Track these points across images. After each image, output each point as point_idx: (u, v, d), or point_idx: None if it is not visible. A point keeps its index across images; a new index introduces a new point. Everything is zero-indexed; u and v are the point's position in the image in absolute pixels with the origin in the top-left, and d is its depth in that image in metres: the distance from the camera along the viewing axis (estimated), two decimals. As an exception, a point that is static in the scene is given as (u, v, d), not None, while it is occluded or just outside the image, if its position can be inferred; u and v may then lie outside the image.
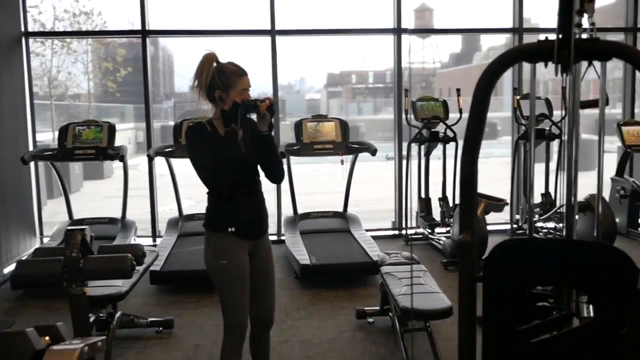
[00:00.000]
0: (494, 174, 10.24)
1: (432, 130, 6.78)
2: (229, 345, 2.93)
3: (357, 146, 6.58)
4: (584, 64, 2.16)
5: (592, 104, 3.79)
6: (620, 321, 1.91)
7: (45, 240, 6.77)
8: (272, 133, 2.85)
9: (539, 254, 1.98)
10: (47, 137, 13.52)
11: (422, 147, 6.92)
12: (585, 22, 2.18)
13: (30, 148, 6.70)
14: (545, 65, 2.04)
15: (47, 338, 1.83)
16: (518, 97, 6.86)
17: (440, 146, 6.90)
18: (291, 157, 6.62)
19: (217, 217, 2.91)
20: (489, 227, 5.68)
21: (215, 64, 2.84)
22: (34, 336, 1.77)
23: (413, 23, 40.81)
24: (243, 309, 2.91)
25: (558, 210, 6.95)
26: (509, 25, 7.45)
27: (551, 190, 7.10)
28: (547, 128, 6.81)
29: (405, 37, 7.39)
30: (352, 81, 43.11)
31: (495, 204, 3.39)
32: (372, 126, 26.94)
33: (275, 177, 3.01)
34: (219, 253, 2.87)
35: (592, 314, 2.07)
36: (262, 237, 3.01)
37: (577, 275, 1.95)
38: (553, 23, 1.99)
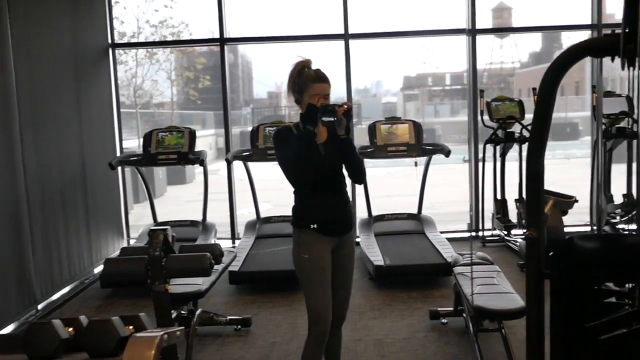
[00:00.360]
0: (575, 175, 9.94)
1: (508, 130, 6.68)
2: (312, 339, 3.04)
3: (430, 147, 6.56)
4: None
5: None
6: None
7: (132, 242, 7.11)
8: (350, 136, 2.98)
9: (606, 249, 1.97)
10: (133, 144, 14.13)
11: (498, 147, 6.83)
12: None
13: (117, 154, 7.07)
14: (612, 60, 2.02)
15: (131, 327, 1.98)
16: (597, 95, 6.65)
17: (516, 147, 6.78)
18: (365, 160, 6.67)
19: (301, 214, 3.07)
20: (567, 229, 5.53)
21: (305, 70, 3.00)
22: (119, 324, 1.92)
23: (491, 22, 39.98)
24: (324, 303, 3.01)
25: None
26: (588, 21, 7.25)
27: (634, 191, 6.84)
28: (629, 126, 6.57)
29: (481, 37, 7.29)
30: (428, 83, 42.65)
31: (565, 200, 3.33)
32: (448, 128, 26.62)
33: (357, 177, 3.15)
34: (302, 248, 3.02)
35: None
36: (346, 235, 3.12)
37: (647, 271, 1.92)
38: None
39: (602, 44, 1.98)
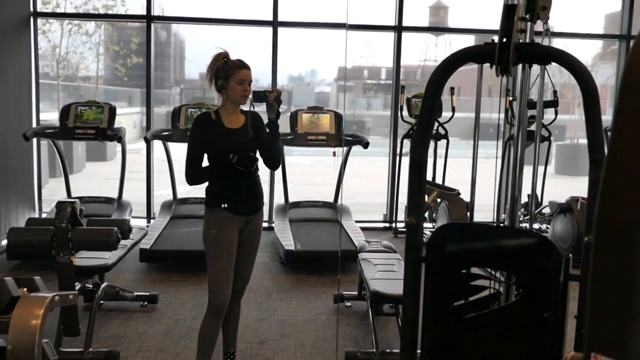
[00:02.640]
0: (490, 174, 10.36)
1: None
2: (209, 310, 3.19)
3: (349, 138, 6.73)
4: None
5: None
6: (544, 305, 2.10)
7: (44, 215, 6.98)
8: (279, 121, 3.21)
9: (474, 237, 2.17)
10: (55, 116, 13.75)
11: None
12: (536, 28, 2.37)
13: (34, 126, 6.90)
14: (491, 67, 2.22)
15: (24, 289, 2.04)
16: (510, 99, 6.98)
17: (432, 143, 7.04)
18: (287, 148, 6.78)
19: (212, 194, 3.22)
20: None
21: (225, 60, 3.17)
22: (12, 284, 1.98)
23: (428, 20, 40.61)
24: (224, 276, 3.16)
25: (543, 211, 7.13)
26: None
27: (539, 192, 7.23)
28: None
29: (413, 35, 7.54)
30: (363, 76, 43.02)
31: (447, 193, 3.56)
32: (379, 122, 27.08)
33: (273, 163, 3.32)
34: (210, 225, 3.18)
35: (518, 296, 2.26)
36: (255, 214, 3.29)
37: (507, 258, 2.14)
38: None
39: (481, 51, 2.18)
